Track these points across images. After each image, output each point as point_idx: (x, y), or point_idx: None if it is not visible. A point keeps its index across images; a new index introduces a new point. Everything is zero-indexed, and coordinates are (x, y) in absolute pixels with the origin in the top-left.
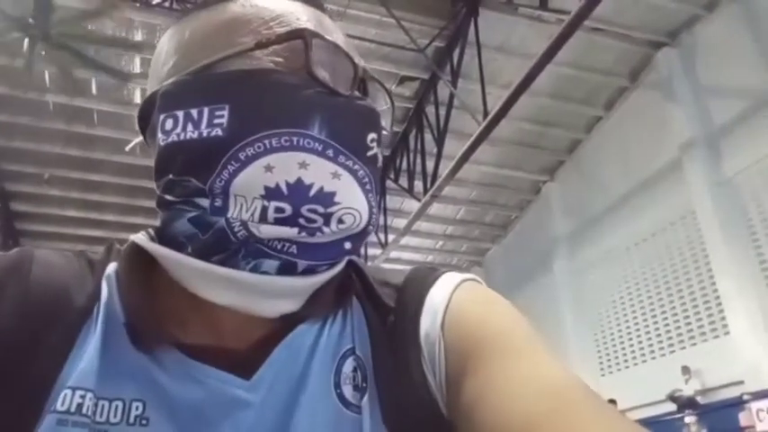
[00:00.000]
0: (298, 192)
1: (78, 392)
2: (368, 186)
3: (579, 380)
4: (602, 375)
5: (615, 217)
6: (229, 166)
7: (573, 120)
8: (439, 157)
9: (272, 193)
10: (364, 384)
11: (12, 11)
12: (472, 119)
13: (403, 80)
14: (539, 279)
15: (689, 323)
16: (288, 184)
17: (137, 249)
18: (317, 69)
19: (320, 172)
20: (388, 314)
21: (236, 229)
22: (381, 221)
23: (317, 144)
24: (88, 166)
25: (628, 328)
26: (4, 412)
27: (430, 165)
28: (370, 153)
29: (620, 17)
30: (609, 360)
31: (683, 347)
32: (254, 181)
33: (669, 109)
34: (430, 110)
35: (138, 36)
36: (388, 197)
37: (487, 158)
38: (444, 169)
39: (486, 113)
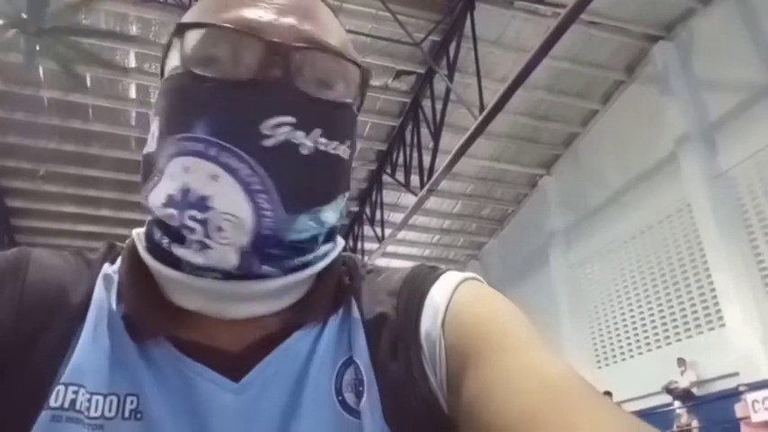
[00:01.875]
0: (184, 199)
1: (71, 388)
2: (255, 185)
3: (577, 374)
4: (599, 367)
5: (612, 210)
6: (155, 179)
7: (569, 113)
8: (435, 151)
9: (170, 202)
10: (363, 389)
11: (5, 6)
12: (468, 113)
13: (399, 74)
14: (535, 273)
15: (684, 315)
16: (179, 192)
17: (135, 246)
18: (199, 63)
19: (200, 175)
20: (387, 316)
21: (163, 246)
22: (378, 216)
23: (199, 145)
24: (84, 161)
25: (624, 320)
26: (3, 411)
27: (426, 159)
28: (268, 142)
29: (616, 11)
30: (605, 352)
31: (679, 339)
32: (161, 191)
33: (665, 102)
34: (426, 104)
35: (133, 31)
36: (384, 191)
37: (484, 152)
38: (441, 163)
39: (482, 107)
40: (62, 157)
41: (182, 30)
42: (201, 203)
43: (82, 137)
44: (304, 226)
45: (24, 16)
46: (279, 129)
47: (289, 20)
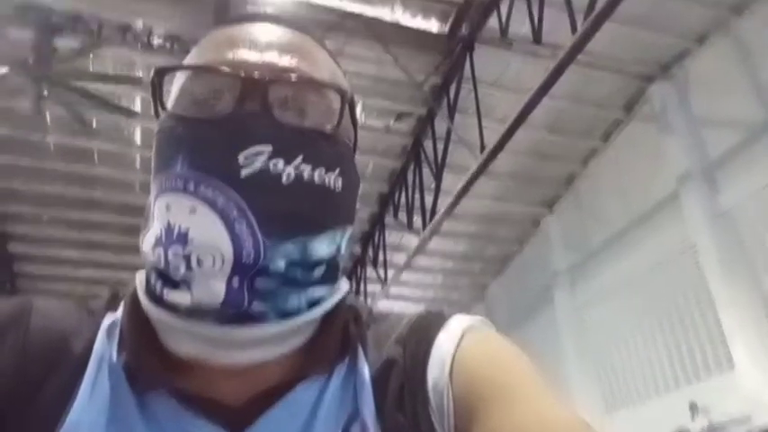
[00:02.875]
0: (168, 236)
1: None
2: (234, 214)
3: (586, 423)
4: (607, 412)
5: (615, 250)
6: (148, 224)
7: (570, 152)
8: (437, 191)
9: (157, 242)
10: None
11: (12, 52)
12: (470, 153)
13: (400, 116)
14: (540, 314)
15: (693, 357)
16: (163, 231)
17: (136, 291)
18: (181, 105)
19: (180, 211)
20: (394, 365)
21: (158, 292)
22: (381, 257)
23: (178, 181)
24: (88, 205)
25: (631, 363)
26: None
27: (429, 199)
28: (245, 171)
29: (612, 51)
30: (613, 396)
31: (689, 383)
32: (152, 234)
33: (665, 141)
34: (428, 145)
35: (140, 76)
36: (387, 232)
37: (486, 192)
38: (443, 204)
39: (483, 147)
40: (66, 202)
41: (160, 74)
42: (182, 239)
43: (87, 181)
44: (287, 255)
45: (30, 62)
46: (255, 157)
47: (268, 56)
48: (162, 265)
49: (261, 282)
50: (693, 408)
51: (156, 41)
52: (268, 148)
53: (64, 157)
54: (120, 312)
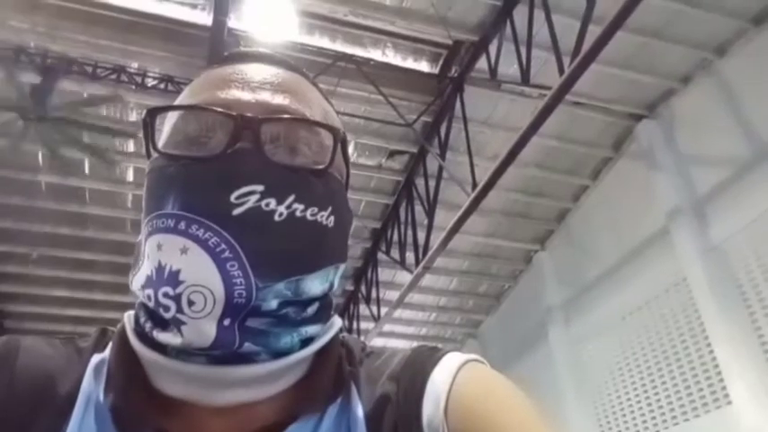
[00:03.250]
0: (159, 276)
1: None
2: (226, 254)
3: None
4: None
5: (608, 285)
6: (139, 262)
7: (560, 189)
8: (430, 228)
9: (147, 282)
10: None
11: (4, 92)
12: (461, 190)
13: (392, 154)
14: (535, 350)
15: (690, 393)
16: (154, 270)
17: (125, 330)
18: (172, 145)
19: (171, 250)
20: (388, 402)
21: (147, 332)
22: (373, 294)
23: (169, 221)
24: (79, 244)
25: (629, 399)
26: None
27: (421, 236)
28: (237, 211)
29: (599, 91)
30: None
31: (687, 419)
32: (142, 274)
33: (653, 178)
34: (420, 182)
35: (133, 116)
36: (379, 269)
37: (478, 229)
38: (435, 240)
39: (474, 185)
40: (56, 241)
41: (152, 114)
42: (173, 279)
43: (78, 220)
44: (280, 295)
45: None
46: (247, 197)
47: (261, 95)
48: (152, 304)
49: (252, 322)
50: None
51: (150, 82)
52: (260, 188)
53: (55, 197)
54: (107, 352)
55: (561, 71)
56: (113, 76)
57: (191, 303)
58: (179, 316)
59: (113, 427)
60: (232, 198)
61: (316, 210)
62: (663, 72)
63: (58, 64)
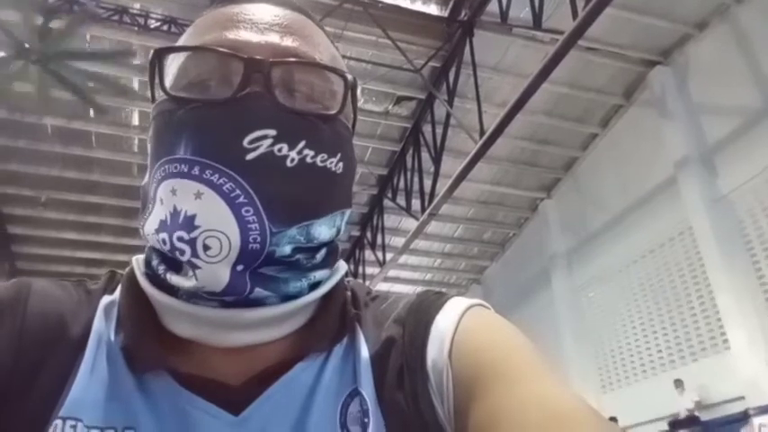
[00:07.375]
0: (174, 221)
1: (69, 422)
2: (241, 199)
3: (585, 403)
4: (604, 392)
5: (613, 234)
6: (149, 206)
7: (569, 137)
8: (436, 175)
9: (161, 226)
10: (369, 421)
11: (8, 36)
12: (469, 137)
13: (400, 100)
14: (538, 296)
15: (689, 339)
16: (168, 215)
17: (135, 273)
18: (181, 87)
19: (185, 195)
20: (393, 344)
21: (160, 274)
22: (379, 240)
23: (183, 166)
24: (85, 187)
25: (628, 344)
26: None
27: (427, 183)
28: (250, 155)
29: (613, 37)
30: (609, 377)
31: (684, 363)
32: (155, 218)
33: (664, 126)
34: (427, 129)
35: (137, 59)
36: (385, 216)
37: (485, 176)
38: (442, 188)
39: (482, 132)
40: (64, 184)
41: (160, 55)
42: (188, 223)
43: (84, 164)
44: (293, 240)
45: (27, 46)
46: (260, 142)
47: (269, 37)
48: (167, 248)
49: (265, 269)
50: (679, 384)
51: (153, 24)
52: (272, 132)
53: (61, 140)
54: (117, 294)
55: (575, 15)
56: (116, 17)
57: (206, 248)
58: (194, 260)
59: (125, 366)
60: (245, 143)
61: (325, 156)
62: (679, 17)
63: (60, 4)
